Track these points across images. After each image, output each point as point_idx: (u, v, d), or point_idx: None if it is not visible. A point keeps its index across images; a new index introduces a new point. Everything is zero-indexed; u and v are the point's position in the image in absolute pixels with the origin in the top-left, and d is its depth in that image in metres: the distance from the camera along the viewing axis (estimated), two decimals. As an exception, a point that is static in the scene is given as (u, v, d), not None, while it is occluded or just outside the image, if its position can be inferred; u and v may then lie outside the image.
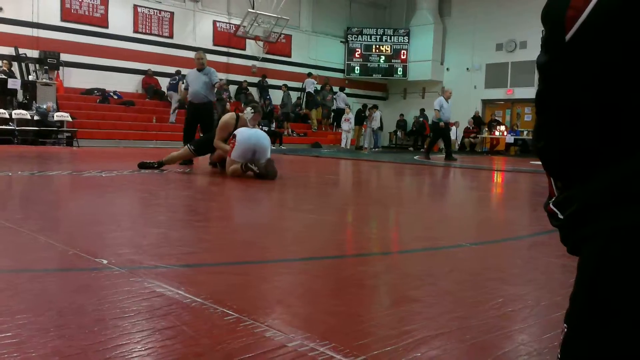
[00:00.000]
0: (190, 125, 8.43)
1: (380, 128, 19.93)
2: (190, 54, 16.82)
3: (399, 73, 21.97)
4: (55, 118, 13.15)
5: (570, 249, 0.74)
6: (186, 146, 7.11)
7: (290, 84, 19.55)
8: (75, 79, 15.17)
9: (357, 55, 21.93)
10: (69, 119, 13.42)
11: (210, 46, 17.43)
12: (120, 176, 6.08)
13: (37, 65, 14.23)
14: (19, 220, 3.23)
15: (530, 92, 17.99)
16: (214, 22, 18.11)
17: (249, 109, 6.56)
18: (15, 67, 13.85)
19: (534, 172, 9.32)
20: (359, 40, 21.90)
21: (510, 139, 18.85)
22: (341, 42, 21.89)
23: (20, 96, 13.53)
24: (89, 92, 15.34)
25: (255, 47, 18.76)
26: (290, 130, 18.60)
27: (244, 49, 18.79)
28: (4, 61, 13.49)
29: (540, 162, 0.76)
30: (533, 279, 2.32)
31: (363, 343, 1.48)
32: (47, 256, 2.39)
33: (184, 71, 15.99)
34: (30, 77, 13.98)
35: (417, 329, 1.60)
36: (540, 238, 3.33)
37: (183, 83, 15.55)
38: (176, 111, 15.39)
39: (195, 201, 4.84)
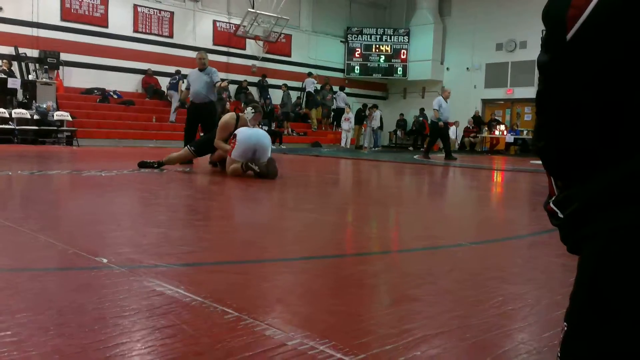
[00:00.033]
0: (191, 125, 8.43)
1: (380, 127, 19.92)
2: (190, 54, 16.85)
3: (398, 73, 21.97)
4: (55, 117, 13.15)
5: (570, 248, 0.74)
6: (186, 147, 7.11)
7: (290, 83, 19.55)
8: (75, 78, 15.16)
9: (357, 55, 21.93)
10: (69, 118, 13.42)
11: (210, 46, 17.43)
12: (120, 175, 6.08)
13: (37, 65, 14.23)
14: (19, 219, 3.23)
15: (530, 92, 18.00)
16: (214, 21, 18.11)
17: (249, 108, 6.56)
18: (15, 66, 13.84)
19: (533, 172, 9.33)
20: (359, 40, 21.90)
21: (510, 138, 18.85)
22: (341, 41, 21.89)
23: (20, 95, 13.53)
24: (89, 91, 15.34)
25: (255, 47, 18.76)
26: (290, 130, 18.60)
27: (244, 48, 18.79)
28: (4, 61, 13.49)
29: (540, 162, 0.77)
30: (533, 278, 2.32)
31: (363, 342, 1.48)
32: (47, 255, 2.39)
33: (183, 71, 16.01)
34: (30, 77, 13.98)
35: (417, 328, 1.60)
36: (540, 237, 3.33)
37: (183, 82, 15.62)
38: (176, 110, 15.40)
39: (195, 200, 4.84)
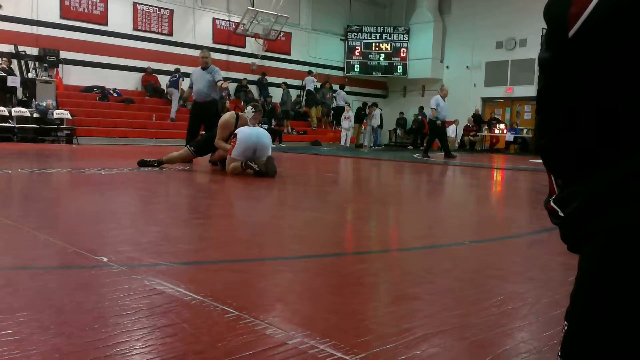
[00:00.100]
0: (194, 124, 8.45)
1: (380, 126, 19.90)
2: (190, 52, 16.86)
3: (398, 71, 21.95)
4: (55, 116, 13.15)
5: (571, 247, 0.74)
6: (186, 147, 7.12)
7: (290, 81, 19.53)
8: (75, 76, 15.15)
9: (357, 53, 21.91)
10: (69, 116, 13.42)
11: (209, 44, 17.40)
12: (120, 174, 6.08)
13: (37, 63, 14.21)
14: (19, 217, 3.23)
15: (530, 91, 18.00)
16: (214, 19, 18.09)
17: (249, 108, 6.56)
18: (14, 64, 13.83)
19: (533, 170, 9.33)
20: (359, 38, 21.87)
21: (509, 137, 18.85)
22: (341, 39, 21.87)
23: (19, 94, 13.52)
24: (89, 89, 15.33)
25: (255, 45, 18.75)
26: (290, 128, 18.59)
27: (243, 46, 18.77)
28: (4, 59, 13.48)
29: (540, 160, 0.76)
30: (533, 277, 2.32)
31: (363, 341, 1.48)
32: (47, 254, 2.39)
33: (183, 69, 16.01)
34: (30, 75, 13.97)
35: (417, 327, 1.60)
36: (540, 236, 3.33)
37: (183, 80, 15.62)
38: (178, 107, 15.43)
39: (195, 199, 4.84)
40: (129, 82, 16.26)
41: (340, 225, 3.76)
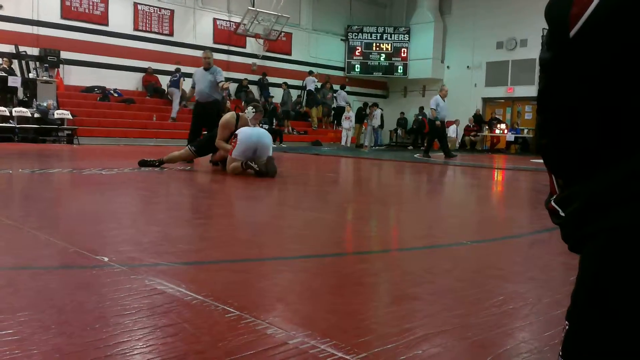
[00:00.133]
0: (196, 124, 8.48)
1: (381, 126, 19.89)
2: (191, 52, 16.87)
3: (399, 71, 21.95)
4: (56, 116, 13.15)
5: (572, 247, 0.74)
6: (187, 147, 7.13)
7: (291, 82, 19.53)
8: (76, 76, 15.15)
9: (357, 53, 21.91)
10: (70, 116, 13.42)
11: (210, 44, 17.40)
12: (121, 174, 6.08)
13: (38, 63, 14.22)
14: (19, 217, 3.24)
15: (530, 91, 17.98)
16: (214, 19, 18.10)
17: (250, 108, 6.57)
18: (15, 64, 13.83)
19: (534, 170, 9.32)
20: (360, 38, 21.87)
21: (510, 137, 18.84)
22: (341, 40, 21.87)
23: (20, 94, 13.52)
24: (89, 89, 15.33)
25: (256, 45, 18.74)
26: (290, 128, 18.59)
27: (244, 46, 18.77)
28: (4, 59, 13.49)
29: (540, 160, 0.76)
30: (534, 277, 2.32)
31: (364, 340, 1.48)
32: (48, 254, 2.39)
33: (183, 69, 16.02)
34: (31, 75, 13.97)
35: (417, 327, 1.60)
36: (540, 236, 3.33)
37: (184, 80, 15.63)
38: (179, 107, 15.44)
39: (195, 199, 4.84)
40: (130, 82, 16.27)
41: (340, 225, 3.76)
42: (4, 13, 13.97)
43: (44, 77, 13.84)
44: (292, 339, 1.46)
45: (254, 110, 6.51)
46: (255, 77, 18.94)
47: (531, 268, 2.49)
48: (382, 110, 20.14)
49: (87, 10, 15.36)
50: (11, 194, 4.58)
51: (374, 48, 21.91)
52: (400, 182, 7.80)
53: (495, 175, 9.57)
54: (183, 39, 17.24)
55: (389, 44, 21.82)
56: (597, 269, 0.66)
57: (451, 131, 19.27)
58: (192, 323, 1.55)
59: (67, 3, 15.01)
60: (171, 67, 16.33)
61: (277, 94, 18.99)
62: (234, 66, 18.21)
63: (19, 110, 12.80)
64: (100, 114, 14.64)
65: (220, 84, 8.38)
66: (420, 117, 20.59)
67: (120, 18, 15.90)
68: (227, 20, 18.30)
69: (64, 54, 14.65)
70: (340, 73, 21.75)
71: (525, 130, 19.00)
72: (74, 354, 1.33)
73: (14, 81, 13.18)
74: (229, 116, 6.78)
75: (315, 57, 20.72)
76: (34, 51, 14.30)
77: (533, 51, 18.04)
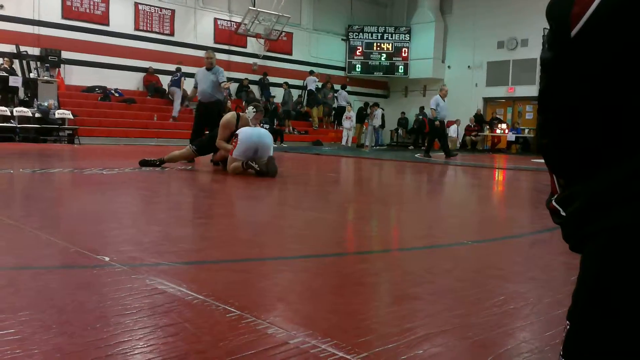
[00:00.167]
0: (198, 124, 8.49)
1: (382, 126, 19.88)
2: (191, 52, 16.87)
3: (400, 71, 21.94)
4: (57, 116, 13.16)
5: (573, 247, 0.74)
6: (188, 146, 7.14)
7: (291, 81, 19.52)
8: (77, 76, 15.16)
9: (358, 53, 21.90)
10: (70, 116, 13.43)
11: (211, 44, 17.41)
12: (122, 174, 6.08)
13: (39, 63, 14.22)
14: (20, 217, 3.24)
15: (531, 90, 17.96)
16: (215, 19, 18.10)
17: (250, 108, 6.57)
18: (16, 64, 13.84)
19: (535, 170, 9.32)
20: (360, 38, 21.87)
21: (511, 137, 18.83)
22: (342, 39, 21.86)
23: (21, 94, 13.53)
24: (90, 89, 15.34)
25: (256, 45, 18.74)
26: (291, 128, 18.59)
27: (245, 46, 18.77)
28: (5, 59, 13.49)
29: (541, 160, 0.76)
30: (534, 277, 2.32)
31: (365, 340, 1.48)
32: (49, 253, 2.39)
33: (184, 68, 16.03)
34: (32, 75, 13.97)
35: (418, 327, 1.60)
36: (541, 236, 3.33)
37: (184, 79, 15.64)
38: (180, 107, 15.45)
39: (196, 199, 4.84)
40: (131, 82, 16.27)
41: (341, 225, 3.76)
42: (5, 13, 13.98)
43: (45, 77, 13.85)
44: (292, 338, 1.46)
45: (254, 110, 6.51)
46: (256, 77, 18.94)
47: (532, 268, 2.48)
48: (383, 110, 20.13)
49: (88, 10, 15.37)
50: (12, 194, 4.58)
51: (374, 48, 21.91)
52: (400, 182, 7.80)
53: (496, 175, 9.57)
54: (184, 39, 17.24)
55: (390, 44, 21.81)
56: (599, 268, 0.66)
57: (452, 131, 19.25)
58: (193, 323, 1.55)
59: (68, 3, 15.02)
60: (172, 67, 16.34)
61: (277, 94, 18.99)
62: (234, 66, 18.21)
63: (20, 110, 12.80)
64: (101, 113, 14.65)
65: (223, 84, 8.40)
66: (420, 117, 20.58)
67: (121, 18, 15.91)
68: (227, 20, 18.30)
69: (65, 54, 14.66)
70: (341, 73, 21.74)
71: (526, 130, 18.99)
72: (74, 354, 1.33)
73: (15, 81, 13.18)
74: (229, 116, 6.78)
75: (316, 57, 20.72)
76: (34, 51, 14.30)
77: (534, 51, 18.02)
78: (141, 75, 16.52)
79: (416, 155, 13.66)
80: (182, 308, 1.67)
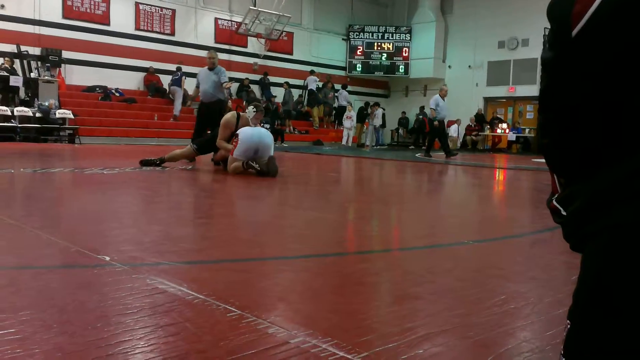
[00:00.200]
0: (200, 124, 8.50)
1: (383, 125, 19.88)
2: (192, 52, 16.87)
3: (400, 71, 21.93)
4: (57, 115, 13.16)
5: (573, 246, 0.74)
6: (189, 145, 7.15)
7: (292, 81, 19.53)
8: (77, 76, 15.16)
9: (359, 53, 21.90)
10: (71, 116, 13.43)
11: (211, 44, 17.41)
12: (122, 173, 6.09)
13: (39, 63, 14.22)
14: (21, 217, 3.24)
15: (532, 90, 17.95)
16: (216, 19, 18.10)
17: (250, 107, 6.57)
18: (17, 64, 13.84)
19: (535, 170, 9.31)
20: (361, 38, 21.86)
21: (512, 136, 18.82)
22: (343, 39, 21.86)
23: (22, 93, 13.53)
24: (91, 89, 15.35)
25: (257, 45, 18.74)
26: (292, 128, 18.60)
27: (245, 46, 18.77)
28: (6, 58, 13.50)
29: (542, 160, 0.76)
30: (535, 277, 2.32)
31: (365, 340, 1.48)
32: (50, 253, 2.39)
33: (185, 68, 16.03)
34: (32, 75, 13.97)
35: (419, 326, 1.60)
36: (542, 235, 3.33)
37: (185, 78, 15.65)
38: (181, 106, 15.46)
39: (196, 198, 4.84)
40: (131, 81, 16.28)
41: (341, 224, 3.76)
42: (6, 13, 13.99)
43: (46, 77, 13.85)
44: (293, 338, 1.46)
45: (254, 109, 6.51)
46: (257, 77, 18.94)
47: (532, 267, 2.48)
48: (384, 109, 20.12)
49: (88, 10, 15.37)
50: (13, 194, 4.58)
51: (375, 47, 21.90)
52: (401, 182, 7.80)
53: (497, 174, 9.57)
54: (184, 39, 17.25)
55: (391, 44, 21.81)
56: (600, 267, 0.66)
57: (452, 130, 19.25)
58: (193, 322, 1.55)
59: (69, 3, 15.03)
60: (173, 67, 16.35)
61: (278, 94, 18.99)
62: (235, 66, 18.21)
63: (20, 110, 12.81)
64: (101, 113, 14.66)
65: (225, 84, 8.41)
66: (420, 116, 20.59)
67: (121, 18, 15.91)
68: (228, 20, 18.30)
69: (66, 54, 14.66)
70: (341, 72, 21.74)
71: (527, 130, 18.97)
72: (75, 353, 1.33)
73: (16, 81, 13.19)
74: (229, 116, 6.79)
75: (316, 57, 20.71)
76: (35, 51, 14.30)
77: (535, 50, 18.01)
78: (142, 75, 16.52)
79: (417, 155, 13.65)
80: (182, 307, 1.67)
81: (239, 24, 17.90)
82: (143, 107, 15.81)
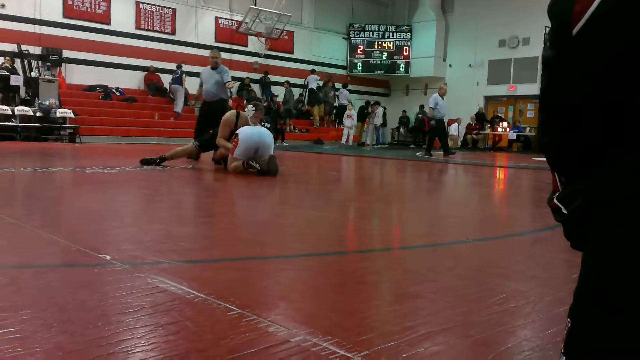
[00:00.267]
0: (201, 123, 8.50)
1: (383, 124, 19.87)
2: (193, 51, 16.88)
3: (401, 69, 21.92)
4: (58, 114, 13.16)
5: (574, 244, 0.74)
6: (192, 142, 7.16)
7: (293, 80, 19.52)
8: (78, 75, 15.17)
9: (359, 52, 21.89)
10: (72, 115, 13.43)
11: (212, 43, 17.41)
12: (123, 172, 6.09)
13: (40, 62, 14.22)
14: (22, 216, 3.24)
15: (533, 89, 17.94)
16: (216, 18, 18.09)
17: (250, 106, 6.57)
18: (17, 63, 13.84)
19: (536, 169, 9.31)
20: (362, 37, 21.85)
21: (512, 135, 18.81)
22: (343, 38, 21.85)
23: (22, 93, 13.53)
24: (92, 88, 15.35)
25: (258, 44, 18.73)
26: (292, 127, 18.60)
27: (246, 45, 18.76)
28: (7, 58, 13.50)
29: (543, 159, 0.76)
30: (536, 275, 2.32)
31: (366, 338, 1.48)
32: (51, 252, 2.40)
33: (186, 67, 16.02)
34: (33, 74, 13.97)
35: (419, 325, 1.60)
36: (543, 234, 3.33)
37: (185, 76, 15.65)
38: (183, 104, 15.46)
39: (197, 197, 4.85)
40: (132, 81, 16.28)
41: (342, 223, 3.76)
42: (7, 12, 13.99)
43: (46, 76, 13.85)
44: (294, 337, 1.46)
45: (254, 108, 6.51)
46: (257, 76, 18.94)
47: (533, 266, 2.48)
48: (384, 108, 20.12)
49: (89, 9, 15.37)
50: (14, 193, 4.58)
51: (376, 46, 21.89)
52: (402, 181, 7.80)
53: (497, 173, 9.56)
54: (185, 38, 17.25)
55: (391, 43, 21.80)
56: (600, 266, 0.65)
57: (453, 129, 19.25)
58: (194, 321, 1.55)
59: (70, 2, 15.02)
60: (173, 66, 16.34)
61: (279, 93, 18.99)
62: (235, 65, 18.20)
63: (21, 109, 12.81)
64: (102, 112, 14.66)
65: (227, 84, 8.42)
66: (420, 115, 20.59)
67: (122, 17, 15.91)
68: (229, 19, 18.30)
69: (66, 53, 14.67)
70: (342, 71, 21.73)
71: (528, 129, 18.96)
72: (76, 352, 1.33)
73: (16, 80, 13.19)
74: (229, 114, 6.80)
75: (317, 56, 20.71)
76: (36, 50, 14.31)
77: (535, 49, 18.00)
78: (142, 74, 16.52)
79: (417, 154, 13.65)
80: (183, 306, 1.67)
81: (240, 23, 17.89)
82: (144, 107, 15.81)
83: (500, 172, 9.87)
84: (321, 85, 19.92)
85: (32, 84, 13.52)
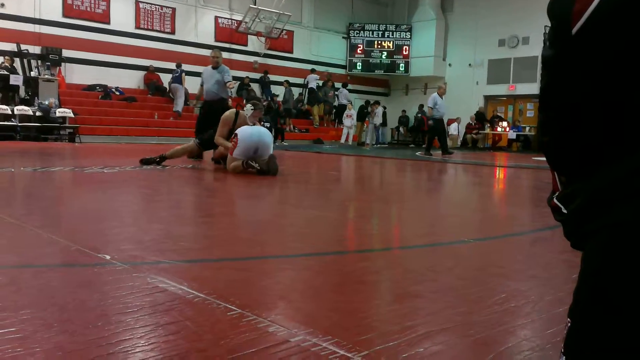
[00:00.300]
0: (202, 122, 8.51)
1: (383, 124, 19.88)
2: (192, 50, 16.88)
3: (401, 69, 21.92)
4: (58, 114, 13.16)
5: (574, 244, 0.74)
6: (193, 140, 7.17)
7: (292, 80, 19.52)
8: (77, 75, 15.16)
9: (359, 51, 21.89)
10: (71, 115, 13.43)
11: (212, 42, 17.41)
12: (123, 172, 6.09)
13: (39, 61, 14.22)
14: (22, 216, 3.24)
15: (532, 88, 17.95)
16: (216, 18, 18.09)
17: (249, 105, 6.57)
18: (17, 63, 13.84)
19: (536, 168, 9.31)
20: (361, 36, 21.85)
21: (512, 135, 18.81)
22: (343, 37, 21.85)
23: (22, 92, 13.53)
24: (91, 88, 15.34)
25: (257, 43, 18.73)
26: (292, 127, 18.59)
27: (245, 45, 18.76)
28: (6, 57, 13.49)
29: (542, 158, 0.76)
30: (536, 275, 2.32)
31: (366, 338, 1.48)
32: (50, 252, 2.40)
33: (185, 67, 16.02)
34: (32, 73, 13.97)
35: (419, 325, 1.60)
36: (543, 234, 3.33)
37: (184, 75, 15.64)
38: (183, 103, 15.46)
39: (197, 197, 4.84)
40: (132, 80, 16.28)
41: (342, 223, 3.76)
42: (6, 11, 13.99)
43: (46, 76, 13.84)
44: (293, 336, 1.46)
45: (252, 107, 6.51)
46: (257, 75, 18.93)
47: (533, 266, 2.48)
48: (384, 108, 20.12)
49: (88, 9, 15.37)
50: (13, 192, 4.58)
51: (375, 46, 21.90)
52: (401, 180, 7.80)
53: (497, 173, 9.56)
54: (185, 37, 17.24)
55: (391, 42, 21.80)
56: (600, 265, 0.66)
57: (453, 129, 19.25)
58: (194, 321, 1.55)
59: (69, 1, 15.02)
60: (173, 66, 16.34)
61: (278, 92, 18.99)
62: (235, 64, 18.18)
63: (20, 109, 12.81)
64: (101, 112, 14.66)
65: (228, 83, 8.42)
66: (419, 115, 20.59)
67: (122, 16, 15.91)
68: (228, 19, 18.29)
69: (66, 52, 14.66)
70: (341, 71, 21.73)
71: (527, 128, 18.97)
72: (76, 352, 1.33)
73: (16, 79, 13.19)
74: (228, 113, 6.81)
75: (316, 55, 20.71)
76: (35, 49, 14.30)
77: (535, 49, 18.00)
78: (142, 73, 16.52)
79: (417, 154, 13.65)
80: (183, 306, 1.67)
81: (239, 23, 17.89)
82: (143, 106, 15.81)
83: (500, 171, 9.87)
84: (321, 84, 19.92)
85: (31, 84, 13.52)
